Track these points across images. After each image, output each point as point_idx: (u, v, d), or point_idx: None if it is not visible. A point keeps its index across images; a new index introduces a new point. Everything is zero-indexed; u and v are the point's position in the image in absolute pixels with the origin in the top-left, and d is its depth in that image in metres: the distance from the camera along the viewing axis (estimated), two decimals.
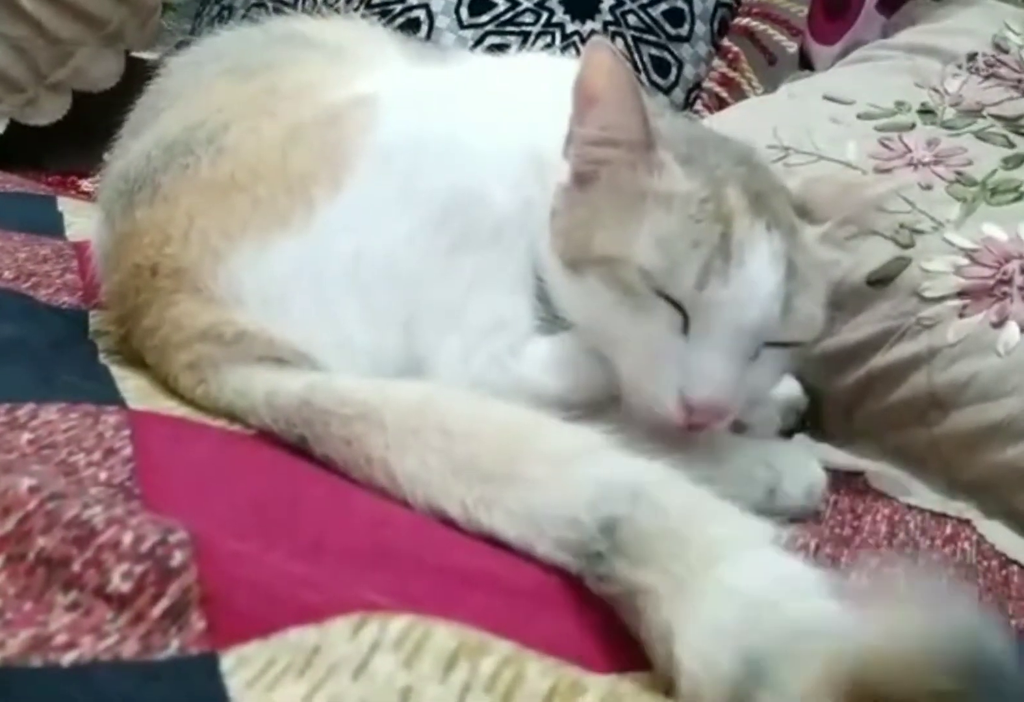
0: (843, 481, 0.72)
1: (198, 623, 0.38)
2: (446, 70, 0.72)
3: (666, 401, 0.60)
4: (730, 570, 0.44)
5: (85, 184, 1.28)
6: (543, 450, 0.53)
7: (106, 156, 0.79)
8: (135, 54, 1.43)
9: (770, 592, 0.43)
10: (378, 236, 0.63)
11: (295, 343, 0.62)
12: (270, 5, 1.28)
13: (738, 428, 0.68)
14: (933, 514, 0.74)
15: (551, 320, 0.65)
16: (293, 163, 0.64)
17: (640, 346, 0.61)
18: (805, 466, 0.67)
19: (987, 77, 0.99)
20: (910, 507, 0.75)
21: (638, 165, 0.62)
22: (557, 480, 0.51)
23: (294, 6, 1.26)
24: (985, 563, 0.67)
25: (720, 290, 0.59)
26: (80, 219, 1.03)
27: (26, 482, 0.42)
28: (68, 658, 0.37)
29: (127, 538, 0.40)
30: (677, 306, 0.60)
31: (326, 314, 0.63)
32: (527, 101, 0.67)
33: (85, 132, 1.11)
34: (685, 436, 0.61)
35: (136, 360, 0.67)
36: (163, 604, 0.39)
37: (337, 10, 1.20)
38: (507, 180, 0.64)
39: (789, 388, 0.75)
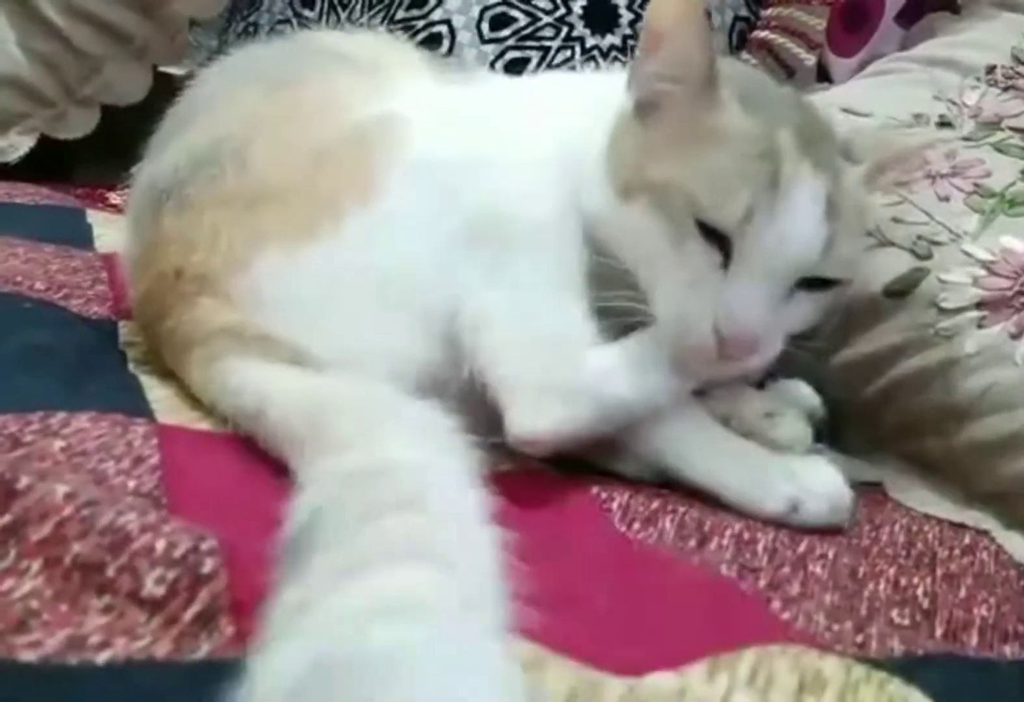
0: (861, 491, 0.73)
1: (228, 628, 0.40)
2: (473, 89, 0.73)
3: (701, 330, 0.62)
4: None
5: (113, 197, 1.31)
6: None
7: (134, 169, 0.80)
8: (162, 69, 1.46)
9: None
10: (409, 252, 0.64)
11: (315, 349, 0.63)
12: (295, 21, 1.30)
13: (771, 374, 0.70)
14: (951, 524, 0.75)
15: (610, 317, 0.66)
16: (321, 177, 0.65)
17: (680, 276, 0.64)
18: (831, 482, 0.68)
19: (1006, 89, 1.00)
20: (928, 517, 0.75)
21: (699, 101, 0.64)
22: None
23: (319, 22, 1.28)
24: (1003, 574, 0.67)
25: (765, 224, 0.61)
26: (109, 231, 1.05)
27: (62, 489, 0.44)
28: (103, 657, 0.38)
29: (160, 545, 0.42)
30: (719, 240, 0.62)
31: (349, 324, 0.64)
32: (555, 115, 0.69)
33: (113, 146, 1.13)
34: (713, 371, 0.64)
35: (164, 370, 0.68)
36: (194, 609, 0.40)
37: (361, 25, 1.22)
38: (539, 194, 0.66)
39: (808, 398, 0.76)
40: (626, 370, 0.65)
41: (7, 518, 0.42)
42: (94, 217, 1.15)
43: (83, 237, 1.04)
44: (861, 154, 0.69)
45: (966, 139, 0.95)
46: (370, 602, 0.39)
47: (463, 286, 0.64)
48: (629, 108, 0.67)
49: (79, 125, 1.39)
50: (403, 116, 0.68)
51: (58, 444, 0.53)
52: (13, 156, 1.37)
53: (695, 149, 0.64)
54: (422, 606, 0.39)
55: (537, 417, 0.63)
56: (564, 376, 0.64)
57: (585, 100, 0.68)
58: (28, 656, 0.37)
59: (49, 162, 1.39)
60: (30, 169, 1.37)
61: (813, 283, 0.65)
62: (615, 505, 0.63)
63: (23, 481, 0.44)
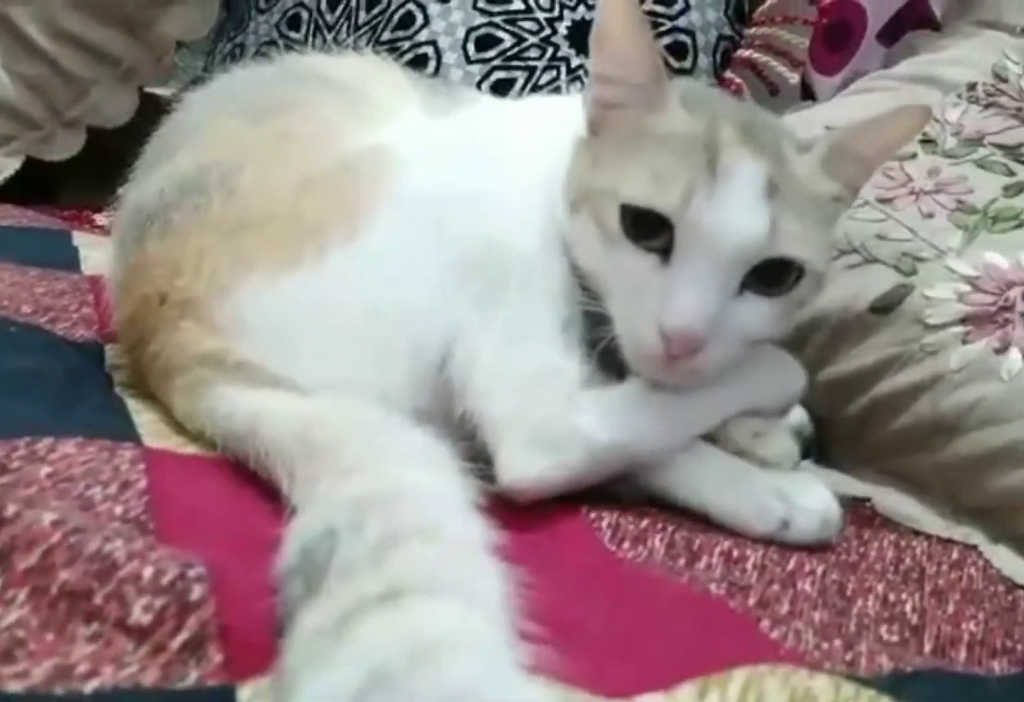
0: (850, 508, 0.73)
1: (216, 656, 0.40)
2: (460, 119, 0.73)
3: (644, 332, 0.62)
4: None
5: (100, 218, 1.30)
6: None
7: (120, 190, 0.80)
8: (149, 90, 1.46)
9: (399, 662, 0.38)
10: (397, 285, 0.64)
11: (297, 378, 0.63)
12: (281, 43, 1.30)
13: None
14: (939, 540, 0.75)
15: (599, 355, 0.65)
16: (306, 207, 0.65)
17: (626, 281, 0.63)
18: (820, 498, 0.68)
19: (987, 106, 1.01)
20: (916, 533, 0.76)
21: (643, 104, 0.65)
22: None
23: (305, 43, 1.28)
24: (991, 589, 0.68)
25: (703, 208, 0.61)
26: (95, 253, 1.05)
27: (48, 516, 0.44)
28: (90, 686, 0.38)
29: (147, 572, 0.41)
30: (657, 238, 0.62)
31: (333, 355, 0.63)
32: (542, 145, 0.69)
33: (100, 167, 1.13)
34: (670, 377, 0.63)
35: (149, 393, 0.68)
36: (182, 637, 0.40)
37: (347, 47, 1.23)
38: (529, 226, 0.66)
39: (795, 415, 0.76)
40: (618, 417, 0.64)
41: None
42: (80, 239, 1.14)
43: (69, 259, 1.04)
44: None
45: (949, 156, 0.96)
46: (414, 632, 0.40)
47: (454, 321, 0.64)
48: (583, 129, 0.68)
49: (65, 147, 1.39)
50: (391, 148, 0.68)
51: (44, 470, 0.52)
52: None
53: (636, 151, 0.64)
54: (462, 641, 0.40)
55: (527, 466, 0.62)
56: (554, 423, 0.63)
57: (569, 126, 0.69)
58: (15, 687, 0.37)
59: (35, 184, 1.38)
60: (15, 191, 1.36)
61: (767, 279, 0.63)
62: (604, 525, 0.63)
63: (10, 509, 0.44)
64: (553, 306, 0.65)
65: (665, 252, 0.62)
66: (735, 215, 0.61)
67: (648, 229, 0.62)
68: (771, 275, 0.64)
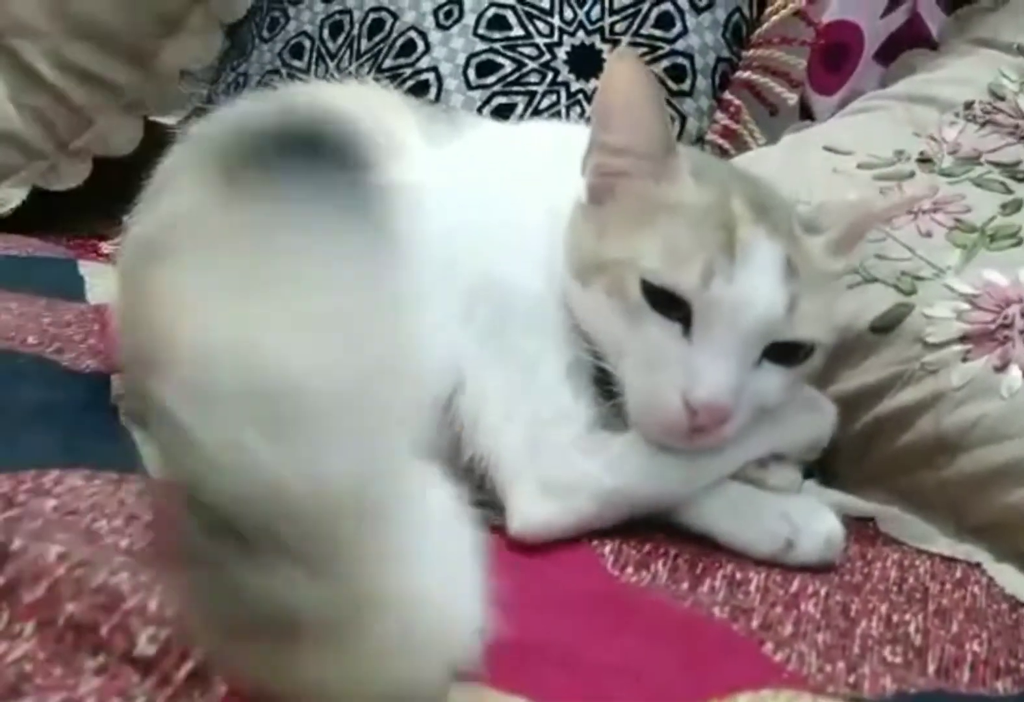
0: (853, 527, 0.73)
1: (220, 687, 0.40)
2: (463, 150, 0.73)
3: (669, 403, 0.62)
4: None
5: (105, 247, 1.31)
6: None
7: (125, 219, 0.81)
8: (153, 119, 1.47)
9: None
10: None
11: None
12: (284, 72, 1.32)
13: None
14: (943, 558, 0.75)
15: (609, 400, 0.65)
16: None
17: (644, 353, 0.63)
18: (823, 519, 0.68)
19: (984, 124, 1.01)
20: (920, 552, 0.76)
21: (652, 175, 0.65)
22: None
23: (307, 72, 1.29)
24: (995, 607, 0.68)
25: (724, 288, 0.61)
26: (101, 282, 1.06)
27: (54, 550, 0.44)
28: None
29: (152, 604, 0.42)
30: (677, 312, 0.62)
31: None
32: (544, 178, 0.69)
33: (105, 196, 1.14)
34: (690, 445, 0.62)
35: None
36: (187, 667, 0.40)
37: (349, 74, 1.24)
38: (533, 265, 0.66)
39: None
40: (628, 463, 0.64)
41: (0, 581, 0.43)
42: (86, 267, 1.15)
43: (75, 289, 1.05)
44: (827, 226, 0.69)
45: (946, 175, 0.97)
46: None
47: (458, 356, 0.64)
48: (583, 195, 0.67)
49: (71, 176, 1.40)
50: (399, 185, 0.68)
51: (51, 503, 0.53)
52: (5, 208, 1.38)
53: (649, 223, 0.64)
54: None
55: (537, 511, 0.63)
56: (563, 469, 0.63)
57: (571, 158, 0.69)
58: None
59: (41, 213, 1.40)
60: (22, 220, 1.38)
61: (782, 353, 0.64)
62: (607, 550, 0.63)
63: (16, 543, 0.44)
64: (559, 346, 0.66)
65: (685, 322, 0.62)
66: (756, 297, 0.62)
67: (666, 300, 0.62)
68: (786, 350, 0.65)
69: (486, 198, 0.68)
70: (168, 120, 1.48)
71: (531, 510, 0.62)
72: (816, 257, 0.66)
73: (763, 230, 0.63)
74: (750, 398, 0.63)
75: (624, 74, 0.64)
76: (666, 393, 0.62)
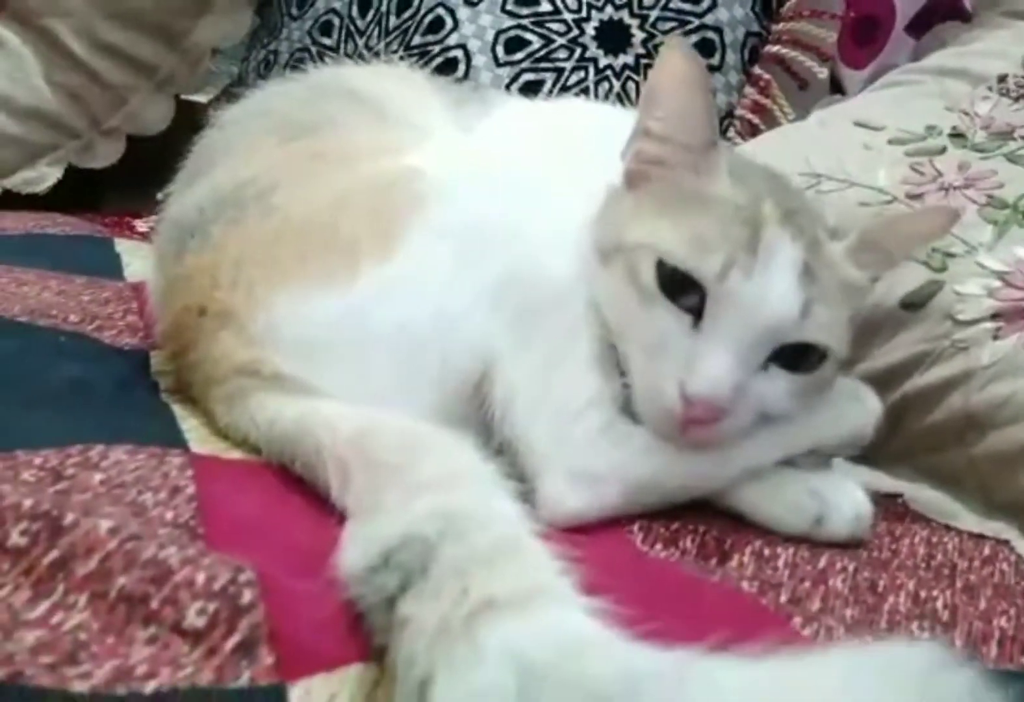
0: (881, 504, 0.73)
1: (267, 658, 0.41)
2: (493, 134, 0.74)
3: (665, 392, 0.62)
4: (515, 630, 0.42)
5: (140, 225, 1.33)
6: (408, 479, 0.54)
7: (159, 196, 0.82)
8: (185, 97, 1.48)
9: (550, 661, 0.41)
10: (427, 308, 0.64)
11: (329, 392, 0.63)
12: (314, 50, 1.32)
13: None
14: (971, 535, 0.75)
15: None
16: (341, 227, 0.66)
17: (650, 339, 0.64)
18: (852, 495, 0.68)
19: (1017, 99, 1.01)
20: (948, 529, 0.76)
21: (691, 166, 0.65)
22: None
23: (336, 50, 1.30)
24: (1023, 584, 0.68)
25: (741, 282, 0.62)
26: (137, 260, 1.08)
27: (105, 524, 0.46)
28: (150, 687, 0.40)
29: (200, 577, 0.43)
30: (690, 302, 0.62)
31: (362, 373, 0.64)
32: (579, 161, 0.69)
33: (139, 174, 1.16)
34: (683, 438, 0.63)
35: (193, 399, 0.70)
36: (235, 639, 0.42)
37: (377, 53, 1.24)
38: (563, 254, 0.66)
39: None
40: (657, 452, 0.64)
41: (55, 553, 0.44)
42: (122, 245, 1.17)
43: (112, 267, 1.06)
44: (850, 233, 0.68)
45: (978, 150, 0.96)
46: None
47: (488, 345, 0.64)
48: (619, 178, 0.68)
49: (106, 155, 1.42)
50: (426, 170, 0.68)
51: (98, 477, 0.54)
52: (42, 187, 1.40)
53: (679, 212, 0.64)
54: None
55: (566, 500, 0.63)
56: (593, 458, 0.64)
57: (605, 141, 0.69)
58: (80, 687, 0.39)
59: (76, 192, 1.41)
60: (58, 199, 1.40)
61: (791, 358, 0.64)
62: (636, 527, 0.64)
63: (68, 517, 0.46)
64: (588, 335, 0.66)
65: (696, 313, 0.63)
66: (771, 295, 0.62)
67: (680, 288, 0.63)
68: (796, 355, 0.64)
69: (517, 184, 0.68)
70: (199, 98, 1.50)
71: (560, 499, 0.63)
72: (838, 266, 0.66)
73: (788, 233, 0.63)
74: (752, 400, 0.63)
75: (675, 64, 0.64)
76: (664, 381, 0.62)
